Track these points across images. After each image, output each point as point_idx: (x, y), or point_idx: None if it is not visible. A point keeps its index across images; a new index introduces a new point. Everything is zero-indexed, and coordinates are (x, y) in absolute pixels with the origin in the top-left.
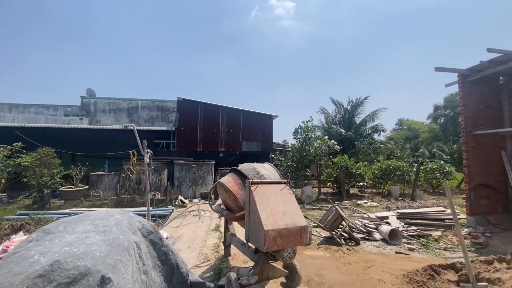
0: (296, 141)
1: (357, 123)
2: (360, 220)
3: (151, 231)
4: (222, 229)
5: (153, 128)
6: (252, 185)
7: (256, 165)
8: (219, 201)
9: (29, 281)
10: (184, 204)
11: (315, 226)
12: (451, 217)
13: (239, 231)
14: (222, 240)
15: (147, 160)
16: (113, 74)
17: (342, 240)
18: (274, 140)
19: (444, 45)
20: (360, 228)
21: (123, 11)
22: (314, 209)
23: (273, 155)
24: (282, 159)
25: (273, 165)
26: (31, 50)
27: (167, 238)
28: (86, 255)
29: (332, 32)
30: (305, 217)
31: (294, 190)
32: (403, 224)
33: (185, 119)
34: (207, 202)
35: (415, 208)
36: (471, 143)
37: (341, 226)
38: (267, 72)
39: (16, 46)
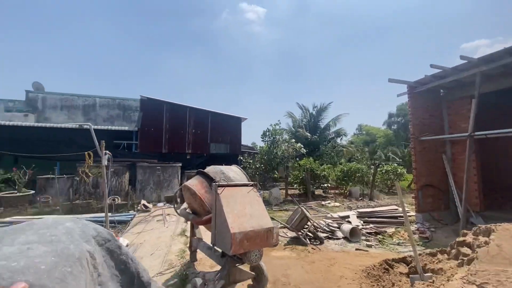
0: (265, 143)
1: (322, 127)
2: (324, 220)
3: (108, 239)
4: (188, 233)
5: (113, 127)
6: (219, 188)
7: (223, 167)
8: (185, 205)
9: None
10: (148, 209)
11: (281, 227)
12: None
13: (206, 235)
14: (188, 245)
15: (105, 162)
16: (65, 68)
17: (307, 239)
18: (243, 143)
19: (402, 56)
20: (324, 227)
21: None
22: (281, 210)
23: (241, 158)
24: (251, 161)
25: (242, 167)
26: None
27: (127, 246)
28: (27, 269)
29: (299, 40)
30: (272, 218)
31: (262, 192)
32: (362, 222)
33: (149, 119)
34: (173, 206)
35: (372, 207)
36: (418, 148)
37: (306, 226)
38: (236, 75)
39: None
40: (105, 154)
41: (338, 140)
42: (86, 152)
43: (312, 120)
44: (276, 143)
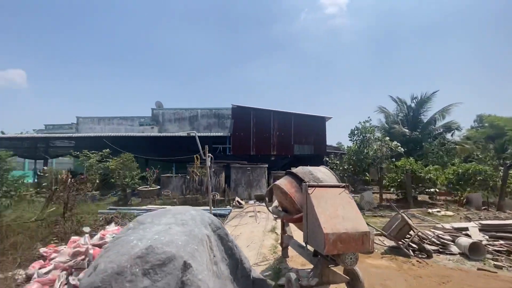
0: (353, 143)
1: (424, 121)
2: (432, 230)
3: (218, 226)
4: (278, 230)
5: (211, 134)
6: (309, 188)
7: (311, 168)
8: (276, 203)
9: (132, 261)
10: (241, 205)
11: (377, 234)
12: None
13: (295, 233)
14: (279, 241)
15: (208, 163)
16: (177, 87)
17: (410, 251)
18: (328, 143)
19: None
20: (433, 239)
21: (181, 31)
22: (375, 216)
23: (327, 158)
24: (338, 162)
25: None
26: (109, 70)
27: None
28: (171, 243)
29: (389, 25)
30: (367, 224)
31: (352, 195)
32: (487, 237)
33: (239, 125)
34: (262, 204)
35: (503, 220)
36: None
37: (408, 235)
38: (319, 74)
39: (100, 68)
40: (208, 156)
41: (448, 135)
42: (194, 155)
43: (410, 114)
44: (367, 142)
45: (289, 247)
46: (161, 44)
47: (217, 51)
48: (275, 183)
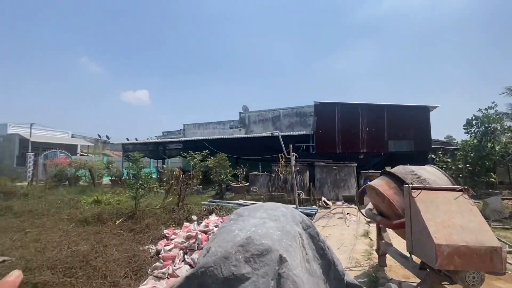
0: (470, 136)
1: None
2: None
3: (309, 225)
4: (372, 235)
5: (294, 133)
6: (413, 191)
7: (414, 167)
8: (370, 205)
9: (235, 248)
10: (328, 206)
11: (511, 252)
12: None
13: (394, 240)
14: (374, 247)
15: (293, 162)
16: (261, 90)
17: None
18: (434, 137)
19: None
20: None
21: (260, 35)
22: (506, 228)
23: (433, 156)
24: (449, 160)
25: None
26: (205, 82)
27: None
28: (267, 236)
29: None
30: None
31: (473, 201)
32: None
33: (323, 122)
34: (351, 205)
35: None
36: None
37: None
38: (416, 57)
39: (199, 82)
40: (293, 155)
41: None
42: (279, 155)
43: None
44: (491, 134)
45: (387, 255)
46: (244, 50)
47: (297, 49)
48: (369, 183)
